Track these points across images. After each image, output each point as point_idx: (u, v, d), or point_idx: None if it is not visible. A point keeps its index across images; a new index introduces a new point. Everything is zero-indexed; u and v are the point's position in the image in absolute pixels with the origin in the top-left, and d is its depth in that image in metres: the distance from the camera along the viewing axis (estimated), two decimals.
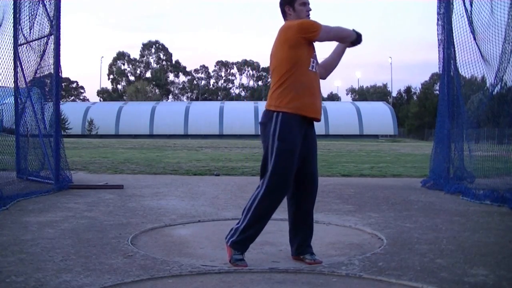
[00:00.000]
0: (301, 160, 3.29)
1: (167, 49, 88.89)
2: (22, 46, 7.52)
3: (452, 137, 7.34)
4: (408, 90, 72.13)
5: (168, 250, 3.70)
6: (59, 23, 6.97)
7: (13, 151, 7.71)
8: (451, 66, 7.28)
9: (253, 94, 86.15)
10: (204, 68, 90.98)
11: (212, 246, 3.80)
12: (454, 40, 7.15)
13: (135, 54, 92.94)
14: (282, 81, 3.24)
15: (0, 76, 6.77)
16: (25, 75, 7.48)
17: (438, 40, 7.57)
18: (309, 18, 3.36)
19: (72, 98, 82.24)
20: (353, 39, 3.43)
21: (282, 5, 3.40)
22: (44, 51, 7.16)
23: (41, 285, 2.76)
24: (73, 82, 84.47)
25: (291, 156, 3.20)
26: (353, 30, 3.44)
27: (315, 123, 3.39)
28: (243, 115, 54.16)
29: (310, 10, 3.38)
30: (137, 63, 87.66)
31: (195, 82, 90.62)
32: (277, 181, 3.20)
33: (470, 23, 6.58)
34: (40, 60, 7.25)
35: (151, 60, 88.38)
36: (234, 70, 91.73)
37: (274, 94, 3.27)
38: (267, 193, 3.21)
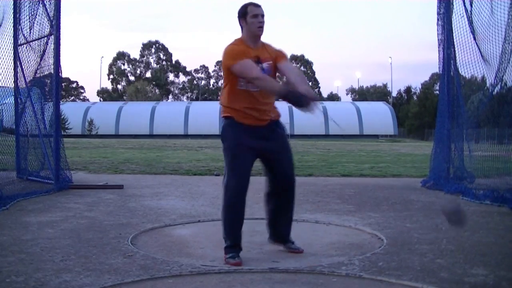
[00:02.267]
0: (268, 160, 3.50)
1: (167, 49, 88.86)
2: (22, 46, 7.52)
3: (452, 137, 7.34)
4: (408, 90, 72.12)
5: (168, 250, 3.70)
6: (59, 23, 6.97)
7: (13, 151, 7.71)
8: (451, 66, 7.28)
9: None
10: (204, 68, 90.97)
11: (212, 246, 3.80)
12: (454, 40, 7.14)
13: (135, 54, 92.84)
14: (223, 96, 3.51)
15: (0, 76, 6.79)
16: (25, 75, 7.48)
17: (438, 40, 7.56)
18: (261, 30, 3.41)
19: (72, 98, 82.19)
20: (278, 95, 3.26)
21: (238, 18, 3.49)
22: (44, 51, 7.16)
23: (41, 285, 2.76)
24: (73, 82, 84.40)
25: (236, 154, 3.40)
26: (283, 89, 3.23)
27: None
28: None
29: (261, 21, 3.40)
30: (137, 63, 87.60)
31: (195, 82, 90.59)
32: (228, 179, 3.42)
33: (470, 23, 6.58)
34: (40, 60, 7.25)
35: (151, 60, 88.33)
36: None
37: (221, 106, 3.54)
38: (223, 193, 3.45)
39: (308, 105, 3.13)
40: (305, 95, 3.13)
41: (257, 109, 3.42)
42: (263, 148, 3.44)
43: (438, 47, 7.57)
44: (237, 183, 3.39)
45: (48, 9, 7.02)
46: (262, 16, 3.41)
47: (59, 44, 6.97)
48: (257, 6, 3.43)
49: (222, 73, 3.62)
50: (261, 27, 3.40)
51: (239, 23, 3.48)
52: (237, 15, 3.48)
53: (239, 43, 3.44)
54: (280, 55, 3.49)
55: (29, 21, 7.32)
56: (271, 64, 3.43)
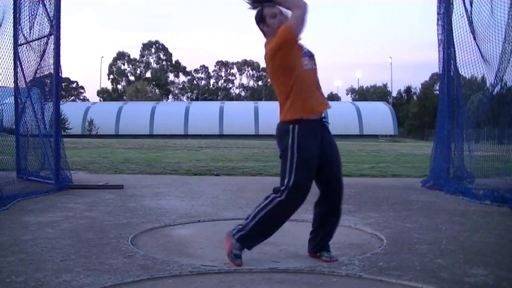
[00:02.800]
0: (322, 165, 3.32)
1: (167, 49, 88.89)
2: (22, 46, 7.52)
3: (452, 137, 7.34)
4: (408, 90, 72.13)
5: (168, 250, 3.70)
6: (59, 23, 6.97)
7: (13, 151, 7.71)
8: (451, 66, 7.28)
9: (253, 94, 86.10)
10: (204, 68, 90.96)
11: (212, 246, 3.79)
12: (454, 40, 7.14)
13: (135, 54, 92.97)
14: (286, 95, 3.26)
15: (0, 76, 6.78)
16: (25, 75, 7.47)
17: (438, 40, 7.56)
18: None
19: (72, 98, 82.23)
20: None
21: (258, 26, 3.41)
22: (44, 51, 7.15)
23: (41, 285, 2.76)
24: (73, 82, 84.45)
25: (309, 166, 3.24)
26: None
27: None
28: (243, 115, 54.16)
29: (281, 19, 3.31)
30: (137, 63, 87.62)
31: (195, 82, 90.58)
32: (296, 193, 3.22)
33: (470, 23, 6.58)
34: (40, 60, 7.25)
35: (151, 60, 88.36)
36: (234, 70, 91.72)
37: (284, 107, 3.29)
38: (284, 204, 3.22)
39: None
40: None
41: (319, 91, 3.33)
42: (321, 153, 3.30)
43: (438, 47, 7.57)
44: (303, 199, 3.25)
45: (48, 9, 7.02)
46: (281, 13, 3.32)
47: (59, 44, 6.97)
48: (272, 5, 3.34)
49: (270, 72, 3.35)
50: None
51: (260, 29, 3.39)
52: (256, 23, 3.39)
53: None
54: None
55: (29, 21, 7.32)
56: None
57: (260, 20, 3.37)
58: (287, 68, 3.25)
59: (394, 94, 75.28)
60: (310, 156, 3.24)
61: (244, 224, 3.29)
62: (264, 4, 3.37)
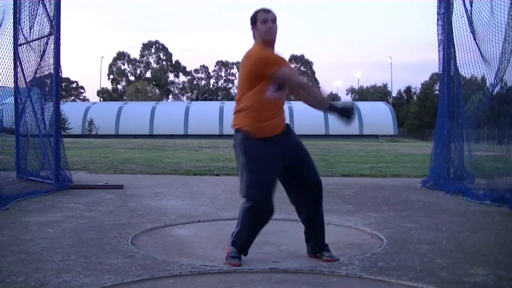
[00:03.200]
0: (293, 169, 3.37)
1: (167, 49, 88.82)
2: (22, 46, 7.52)
3: (452, 137, 7.34)
4: (408, 90, 72.11)
5: (168, 250, 3.70)
6: (59, 23, 6.98)
7: (13, 151, 7.71)
8: (451, 66, 7.28)
9: None
10: (204, 68, 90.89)
11: (212, 246, 3.80)
12: (454, 40, 7.14)
13: (135, 54, 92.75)
14: (243, 105, 3.32)
15: (0, 76, 6.79)
16: (25, 75, 7.48)
17: (438, 40, 7.56)
18: (270, 34, 3.33)
19: (72, 98, 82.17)
20: (323, 107, 3.34)
21: (251, 27, 3.43)
22: (44, 51, 7.16)
23: (41, 285, 2.76)
24: (73, 82, 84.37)
25: (262, 168, 3.27)
26: (334, 103, 3.31)
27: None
28: None
29: (271, 26, 3.32)
30: (137, 63, 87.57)
31: (195, 82, 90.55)
32: (254, 195, 3.27)
33: (470, 23, 6.58)
34: (40, 60, 7.25)
35: (151, 60, 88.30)
36: (234, 70, 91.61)
37: (236, 115, 3.37)
38: (251, 208, 3.29)
39: (353, 116, 3.26)
40: (353, 107, 3.25)
41: (279, 116, 3.38)
42: (286, 156, 3.34)
43: (438, 47, 7.57)
44: (267, 195, 3.28)
45: (48, 9, 7.02)
46: (273, 20, 3.34)
47: (59, 44, 6.98)
48: (267, 11, 3.37)
49: (240, 82, 3.39)
50: (270, 32, 3.33)
51: (252, 31, 3.41)
52: (250, 24, 3.42)
53: (265, 47, 3.34)
54: None
55: (29, 21, 7.32)
56: None
57: (253, 23, 3.40)
58: (253, 86, 3.29)
59: (394, 94, 75.30)
60: (263, 159, 3.27)
61: (234, 231, 3.37)
62: (261, 8, 3.40)
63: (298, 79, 3.42)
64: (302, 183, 3.42)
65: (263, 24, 3.34)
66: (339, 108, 3.29)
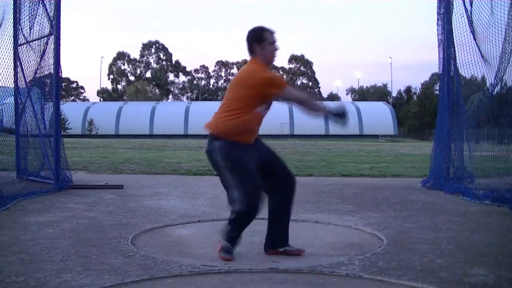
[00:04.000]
0: (266, 164, 3.48)
1: (167, 49, 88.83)
2: (22, 46, 7.52)
3: (452, 137, 7.34)
4: (408, 90, 72.14)
5: (168, 250, 3.70)
6: (59, 23, 6.97)
7: (13, 151, 7.71)
8: (451, 66, 7.28)
9: None
10: (204, 68, 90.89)
11: (212, 246, 3.79)
12: (454, 40, 7.14)
13: (135, 54, 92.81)
14: (230, 114, 3.38)
15: (0, 76, 6.78)
16: (25, 75, 7.48)
17: (438, 40, 7.56)
18: (275, 58, 3.45)
19: (72, 98, 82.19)
20: (322, 114, 3.48)
21: (250, 42, 3.43)
22: (44, 51, 7.15)
23: (41, 285, 2.76)
24: (73, 82, 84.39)
25: (248, 171, 3.36)
26: (329, 109, 3.45)
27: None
28: None
29: (278, 49, 3.43)
30: (137, 63, 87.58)
31: (195, 82, 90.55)
32: (249, 201, 3.33)
33: (470, 23, 6.58)
34: (40, 60, 7.25)
35: (151, 60, 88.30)
36: (234, 70, 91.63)
37: (220, 120, 3.42)
38: (243, 213, 3.36)
39: (347, 119, 3.44)
40: (345, 111, 3.44)
41: (258, 130, 3.50)
42: (259, 155, 3.46)
43: (438, 47, 7.57)
44: (255, 193, 3.36)
45: (48, 9, 7.02)
46: (276, 44, 3.45)
47: (59, 44, 6.97)
48: (273, 33, 3.43)
49: (233, 91, 3.47)
50: (275, 55, 3.45)
51: (252, 47, 3.41)
52: (249, 38, 3.42)
53: (266, 67, 3.42)
54: None
55: (29, 21, 7.32)
56: None
57: (258, 40, 3.40)
58: (246, 102, 3.36)
59: (394, 94, 75.35)
60: (245, 161, 3.36)
61: (225, 229, 3.49)
62: (266, 28, 3.43)
63: (302, 96, 3.48)
64: (274, 177, 3.51)
65: (272, 45, 3.40)
66: (333, 113, 3.45)
